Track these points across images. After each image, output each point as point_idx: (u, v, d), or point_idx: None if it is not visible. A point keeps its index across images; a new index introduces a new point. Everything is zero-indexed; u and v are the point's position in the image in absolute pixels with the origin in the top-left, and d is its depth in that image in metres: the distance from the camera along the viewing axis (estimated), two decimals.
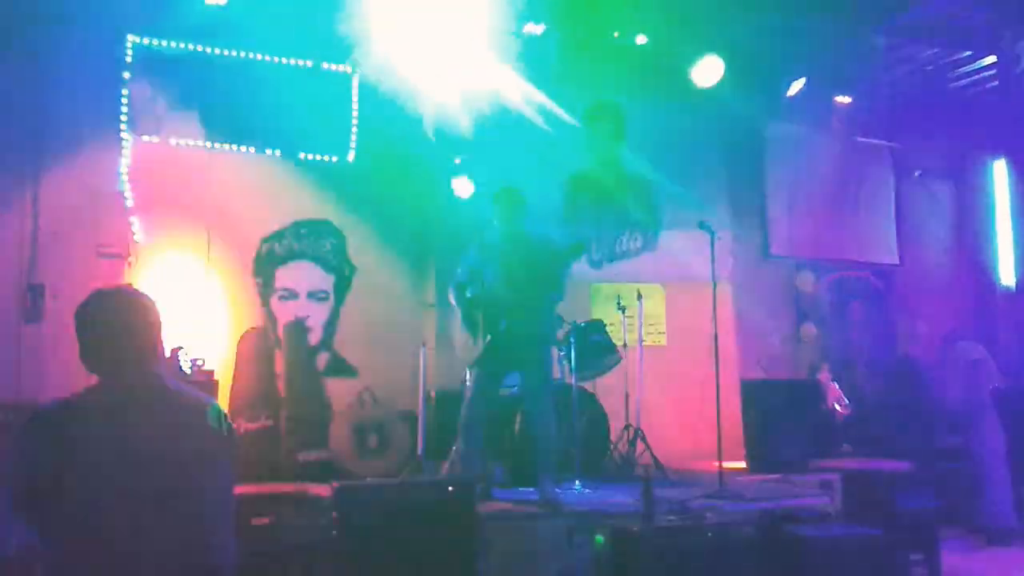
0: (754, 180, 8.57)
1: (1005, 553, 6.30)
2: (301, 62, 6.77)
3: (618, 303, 6.94)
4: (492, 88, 6.97)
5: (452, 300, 5.41)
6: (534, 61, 7.13)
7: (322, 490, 4.76)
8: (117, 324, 2.34)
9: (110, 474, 2.16)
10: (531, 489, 5.31)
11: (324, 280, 6.86)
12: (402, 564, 4.12)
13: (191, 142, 6.45)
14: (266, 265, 6.68)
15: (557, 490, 5.26)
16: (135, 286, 5.80)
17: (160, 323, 2.42)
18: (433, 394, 6.37)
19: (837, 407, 7.93)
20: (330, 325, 6.83)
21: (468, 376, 5.36)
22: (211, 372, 6.01)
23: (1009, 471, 6.49)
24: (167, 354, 5.48)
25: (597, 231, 7.81)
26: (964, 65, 8.09)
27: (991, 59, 7.55)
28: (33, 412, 2.24)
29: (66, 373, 2.45)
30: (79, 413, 2.22)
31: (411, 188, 7.05)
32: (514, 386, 5.66)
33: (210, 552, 2.29)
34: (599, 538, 4.75)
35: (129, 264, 6.13)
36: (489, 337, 5.15)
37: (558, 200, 7.70)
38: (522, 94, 7.15)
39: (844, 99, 7.94)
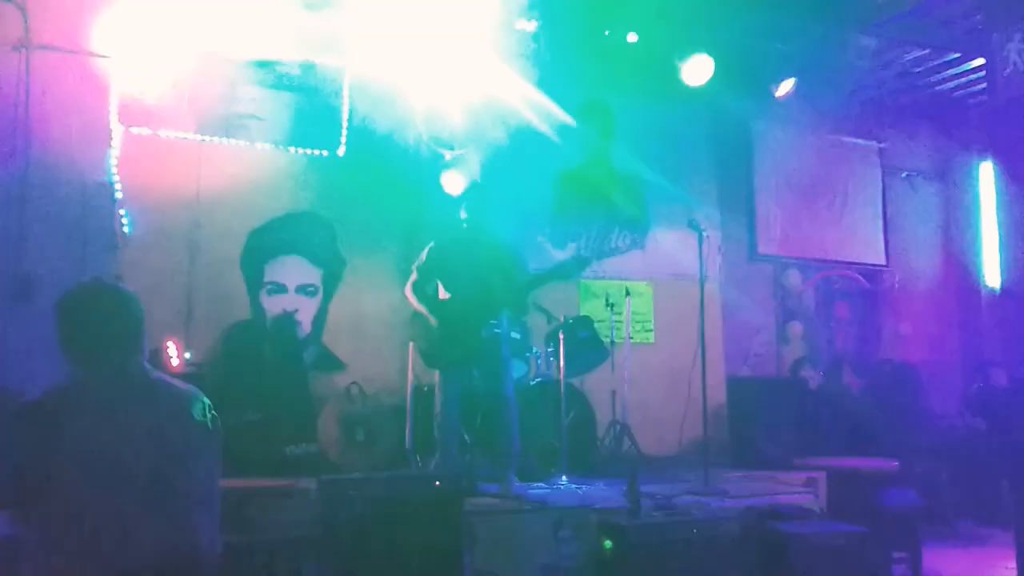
0: (742, 179, 8.60)
1: (986, 552, 6.36)
2: (294, 55, 6.74)
3: (607, 300, 6.96)
4: (483, 84, 6.98)
5: (410, 297, 5.40)
6: (525, 58, 7.13)
7: (308, 484, 4.75)
8: (97, 316, 2.35)
9: (94, 465, 2.16)
10: (518, 484, 5.36)
11: (313, 274, 6.84)
12: (388, 558, 4.12)
13: (181, 134, 6.43)
14: (255, 258, 6.65)
15: (526, 487, 5.32)
16: (122, 278, 5.85)
17: (141, 315, 2.43)
18: (426, 389, 6.37)
19: None
20: (319, 319, 6.82)
21: (436, 375, 5.42)
22: (199, 365, 6.00)
23: None
24: (154, 347, 5.51)
25: (586, 228, 7.83)
26: (952, 67, 8.13)
27: (979, 61, 7.58)
28: (17, 405, 2.25)
29: (53, 363, 2.45)
30: (63, 404, 2.23)
31: (401, 183, 7.04)
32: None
33: (194, 543, 2.30)
34: (608, 543, 4.76)
35: (118, 256, 6.11)
36: (451, 335, 5.18)
37: (548, 197, 7.71)
38: (512, 91, 7.16)
39: (832, 99, 7.97)
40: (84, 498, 2.14)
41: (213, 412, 2.47)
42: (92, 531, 2.14)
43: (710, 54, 7.21)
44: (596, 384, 6.81)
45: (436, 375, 5.44)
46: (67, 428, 2.16)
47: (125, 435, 2.21)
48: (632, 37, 7.10)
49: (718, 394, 7.23)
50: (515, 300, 5.36)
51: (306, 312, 6.79)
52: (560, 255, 7.59)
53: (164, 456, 2.26)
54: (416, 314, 5.39)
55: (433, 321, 5.27)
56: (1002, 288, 9.23)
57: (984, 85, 8.16)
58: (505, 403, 5.34)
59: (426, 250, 5.45)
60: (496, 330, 5.29)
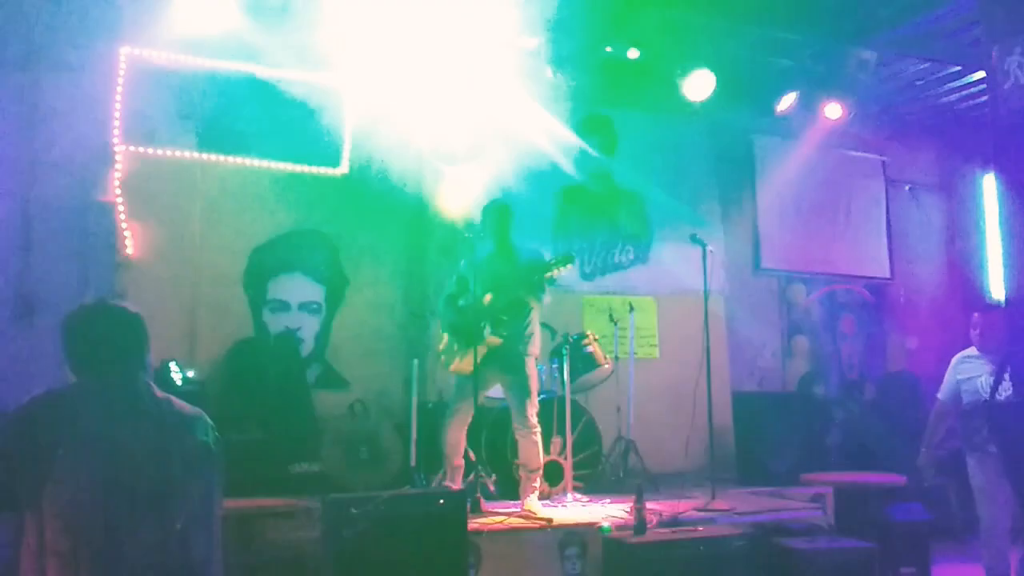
0: (745, 194, 8.59)
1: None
2: (295, 73, 6.75)
3: (610, 316, 6.94)
4: (484, 101, 6.99)
5: (442, 309, 5.46)
6: (527, 74, 7.15)
7: (312, 503, 4.73)
8: (100, 335, 2.39)
9: (92, 474, 2.18)
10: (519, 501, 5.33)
11: (316, 292, 6.83)
12: None
13: (184, 153, 6.43)
14: (257, 276, 6.65)
15: (541, 503, 5.30)
16: (125, 296, 5.84)
17: (144, 334, 2.46)
18: (430, 406, 6.36)
19: None
20: (321, 337, 6.80)
21: (454, 387, 5.41)
22: (201, 383, 5.97)
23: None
24: (156, 364, 5.49)
25: (589, 244, 7.82)
26: (953, 80, 8.14)
27: (980, 74, 7.59)
28: (27, 400, 2.27)
29: (56, 381, 2.47)
30: (65, 409, 2.25)
31: (403, 200, 7.04)
32: (502, 398, 5.68)
33: (186, 561, 2.30)
34: (606, 527, 4.76)
35: (120, 274, 6.10)
36: (476, 348, 5.17)
37: (550, 213, 7.71)
38: (514, 107, 7.17)
39: (835, 113, 7.96)
40: (79, 506, 2.15)
41: (216, 434, 2.49)
42: (86, 540, 2.15)
43: (712, 69, 7.22)
44: (601, 400, 6.78)
45: (452, 391, 5.44)
46: (68, 434, 2.19)
47: (125, 449, 2.23)
48: (633, 53, 7.11)
49: (724, 409, 7.19)
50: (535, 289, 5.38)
51: (309, 330, 6.77)
52: (564, 270, 7.56)
53: (162, 473, 2.28)
54: (455, 327, 5.39)
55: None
56: (1007, 300, 9.18)
57: (985, 98, 8.18)
58: (521, 413, 5.34)
59: (460, 264, 5.54)
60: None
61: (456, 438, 5.37)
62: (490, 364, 5.28)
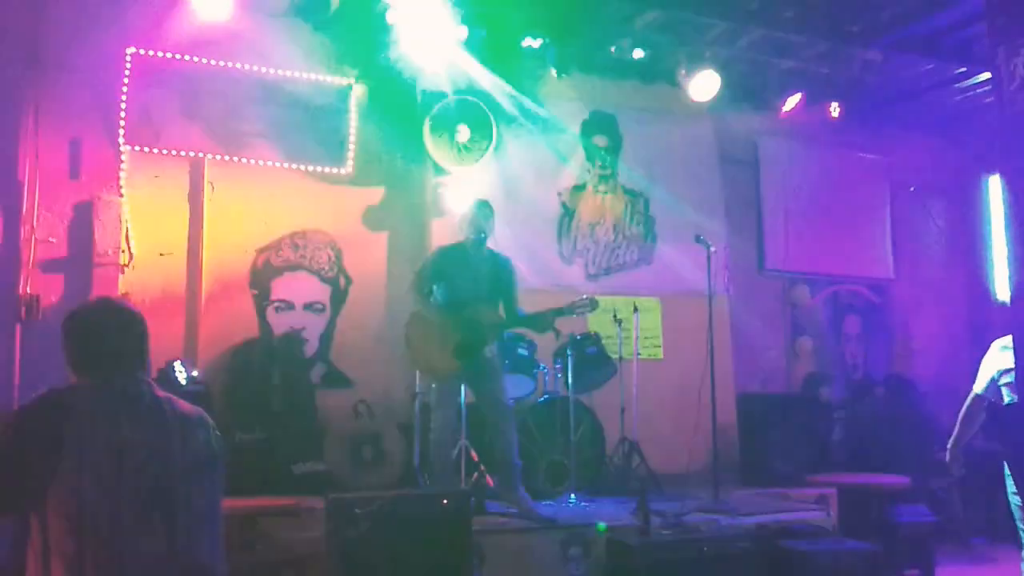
0: (749, 194, 8.59)
1: (998, 569, 6.29)
2: (300, 73, 6.75)
3: (614, 316, 6.93)
4: (491, 101, 6.99)
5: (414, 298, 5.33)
6: (532, 74, 7.16)
7: (316, 502, 4.73)
8: (101, 335, 2.38)
9: (100, 469, 2.17)
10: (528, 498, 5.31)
11: (320, 291, 6.84)
12: None
13: (188, 152, 6.45)
14: (262, 276, 6.66)
15: (542, 503, 5.29)
16: (130, 296, 5.85)
17: (145, 334, 2.45)
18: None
19: None
20: (326, 336, 6.80)
21: (431, 388, 5.36)
22: (205, 383, 5.98)
23: None
24: (161, 364, 5.51)
25: (593, 244, 7.82)
26: (959, 81, 8.12)
27: (986, 75, 7.58)
28: (30, 400, 2.25)
29: (58, 383, 2.47)
30: (73, 403, 2.25)
31: (408, 199, 7.05)
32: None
33: (195, 560, 2.30)
34: (601, 526, 4.79)
35: (124, 274, 6.12)
36: (447, 347, 5.12)
37: (555, 213, 7.70)
38: (520, 107, 7.17)
39: (839, 114, 7.95)
40: (84, 507, 2.15)
41: (217, 433, 2.49)
42: (91, 540, 2.14)
43: (717, 70, 7.22)
44: (604, 401, 6.77)
45: (432, 394, 5.39)
46: (71, 434, 2.18)
47: (128, 449, 2.23)
48: (638, 53, 7.12)
49: (728, 410, 7.18)
50: (500, 324, 5.30)
51: (313, 329, 6.77)
52: (568, 270, 7.60)
53: (166, 473, 2.27)
54: (411, 321, 5.34)
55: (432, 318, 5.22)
56: (1012, 301, 9.15)
57: (991, 99, 8.16)
58: (503, 414, 5.26)
59: (430, 255, 5.50)
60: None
61: (441, 439, 5.28)
62: (464, 367, 5.20)
